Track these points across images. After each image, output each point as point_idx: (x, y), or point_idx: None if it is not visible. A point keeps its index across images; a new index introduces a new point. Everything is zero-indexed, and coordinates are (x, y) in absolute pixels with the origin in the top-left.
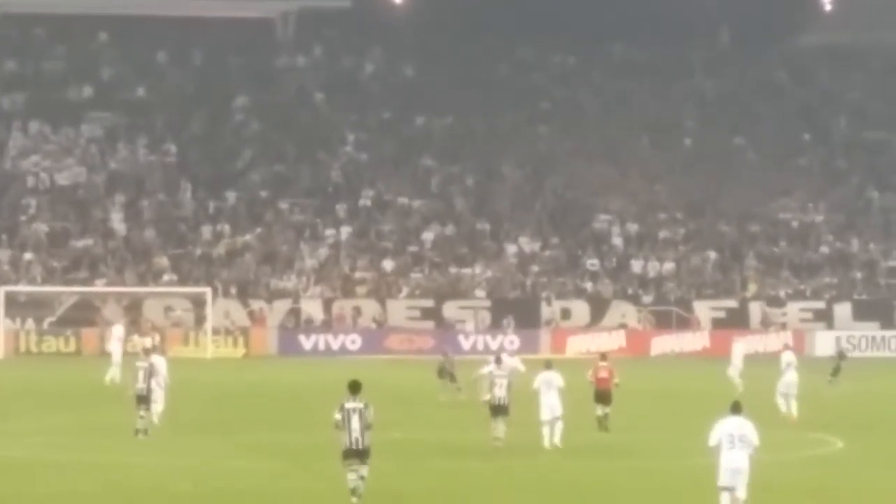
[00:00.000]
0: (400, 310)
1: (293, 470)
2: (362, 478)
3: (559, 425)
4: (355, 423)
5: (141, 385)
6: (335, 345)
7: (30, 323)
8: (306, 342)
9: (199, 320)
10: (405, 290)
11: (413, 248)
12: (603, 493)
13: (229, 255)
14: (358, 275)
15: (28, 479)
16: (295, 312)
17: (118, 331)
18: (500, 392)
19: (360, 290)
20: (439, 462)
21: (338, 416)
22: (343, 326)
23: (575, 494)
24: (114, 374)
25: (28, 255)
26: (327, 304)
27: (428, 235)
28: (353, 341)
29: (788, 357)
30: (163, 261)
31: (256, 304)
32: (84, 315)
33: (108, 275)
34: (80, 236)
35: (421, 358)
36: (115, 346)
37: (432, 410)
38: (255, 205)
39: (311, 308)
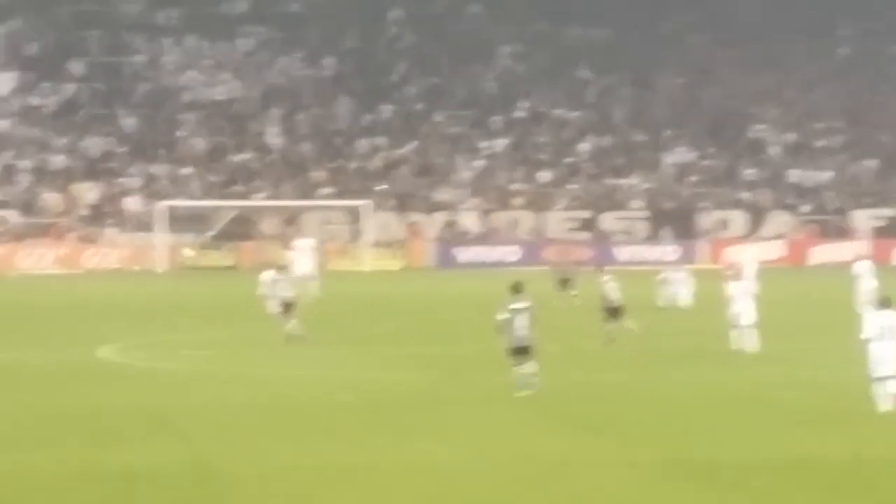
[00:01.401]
0: (557, 221)
1: (449, 381)
2: (533, 374)
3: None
4: (521, 321)
5: (288, 294)
6: (492, 257)
7: (189, 237)
8: (463, 254)
9: (357, 233)
10: (562, 202)
11: (569, 160)
12: (762, 403)
13: (386, 167)
14: (514, 187)
15: (188, 391)
16: (452, 225)
17: (306, 244)
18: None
19: (517, 201)
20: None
21: (505, 315)
22: (500, 238)
23: (733, 404)
24: (314, 288)
25: (186, 170)
26: (484, 216)
27: (584, 147)
28: (511, 253)
29: None
30: (320, 174)
31: (413, 217)
32: (242, 229)
33: (266, 189)
34: (237, 151)
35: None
36: (305, 260)
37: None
38: (410, 117)
39: (468, 220)
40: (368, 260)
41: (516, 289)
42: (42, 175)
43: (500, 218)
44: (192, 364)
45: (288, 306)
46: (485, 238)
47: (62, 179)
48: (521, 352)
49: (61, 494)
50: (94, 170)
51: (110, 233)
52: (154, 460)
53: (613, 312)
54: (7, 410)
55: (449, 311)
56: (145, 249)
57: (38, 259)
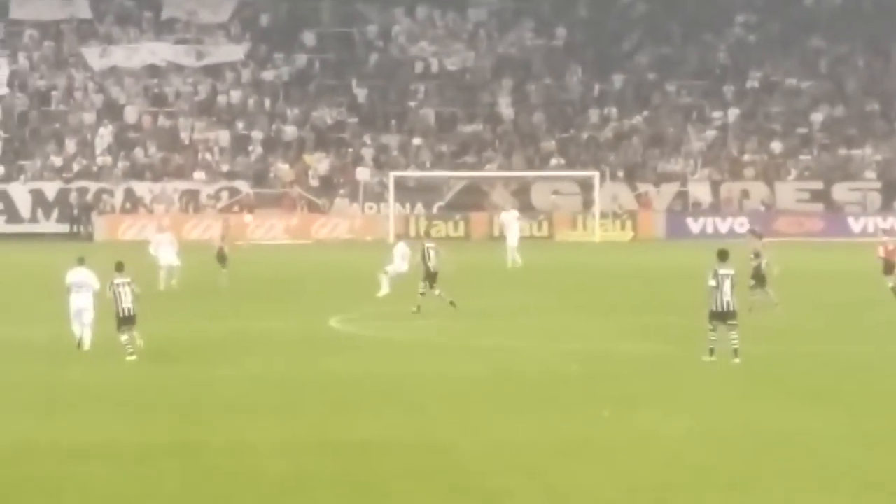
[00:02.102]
0: (788, 192)
1: (677, 352)
2: (733, 339)
3: None
4: (727, 286)
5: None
6: (723, 227)
7: (419, 208)
8: (694, 225)
9: (587, 204)
10: (794, 172)
11: (802, 130)
12: None
13: (616, 137)
14: (746, 157)
15: (419, 362)
16: (682, 195)
17: (510, 216)
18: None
19: (748, 172)
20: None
21: (712, 281)
22: (731, 209)
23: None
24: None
25: (417, 141)
26: (715, 187)
27: (817, 116)
28: (742, 224)
29: None
30: (550, 144)
31: (644, 187)
32: (472, 200)
33: (496, 159)
34: (468, 121)
35: (810, 240)
36: (512, 232)
37: (819, 293)
38: (641, 87)
39: (699, 191)
40: (598, 231)
41: (722, 256)
42: (273, 146)
43: (731, 188)
44: (423, 334)
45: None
46: (715, 209)
47: (293, 150)
48: (719, 316)
49: (298, 462)
50: (325, 140)
51: (341, 203)
52: (387, 431)
53: (760, 280)
54: (242, 378)
55: (679, 281)
56: (376, 220)
57: (269, 229)
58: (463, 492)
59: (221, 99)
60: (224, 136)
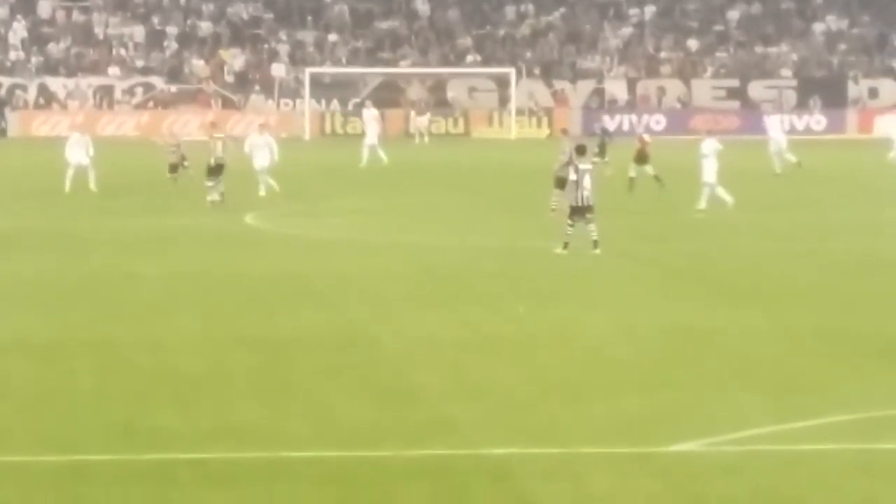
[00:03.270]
0: (705, 90)
1: (590, 250)
2: (592, 231)
3: None
4: (586, 181)
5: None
6: (639, 125)
7: (335, 104)
8: (610, 123)
9: (503, 101)
10: (710, 70)
11: (718, 28)
12: None
13: (533, 34)
14: (662, 54)
15: (335, 259)
16: (599, 92)
17: (370, 114)
18: None
19: (665, 69)
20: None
21: (573, 176)
22: (647, 107)
23: (879, 272)
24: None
25: (333, 37)
26: (631, 85)
27: (733, 14)
28: (658, 121)
29: None
30: (466, 41)
31: (560, 85)
32: (388, 96)
33: (412, 56)
34: (385, 17)
35: (727, 138)
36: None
37: (741, 188)
38: None
39: (615, 88)
40: (514, 128)
41: (581, 150)
42: (188, 41)
43: (648, 86)
44: (339, 232)
45: None
46: (632, 106)
47: (209, 46)
48: (586, 210)
49: (214, 358)
50: (240, 36)
51: (256, 99)
52: (305, 329)
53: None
54: (157, 275)
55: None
56: (291, 116)
57: (186, 125)
58: (382, 388)
59: None
60: (139, 32)
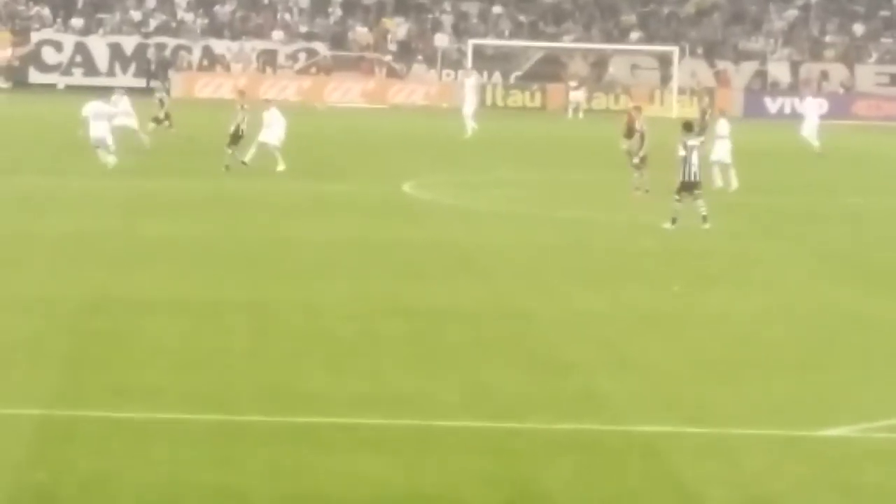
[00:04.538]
0: (868, 75)
1: (756, 231)
2: (700, 207)
3: None
4: (694, 157)
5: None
6: (801, 108)
7: (496, 77)
8: (772, 105)
9: (665, 79)
10: (874, 56)
11: (885, 13)
12: None
13: (698, 14)
14: (827, 38)
15: (492, 231)
16: (761, 74)
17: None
18: None
19: (829, 53)
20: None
21: (682, 152)
22: (809, 90)
23: None
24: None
25: (497, 9)
26: (794, 67)
27: None
28: (820, 105)
29: None
30: (630, 18)
31: (722, 65)
32: (550, 70)
33: (575, 31)
34: None
35: (889, 125)
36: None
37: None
38: None
39: (778, 71)
40: (675, 106)
41: (688, 127)
42: (353, 8)
43: (811, 69)
44: (497, 204)
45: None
46: (794, 89)
47: (373, 14)
48: (694, 186)
49: (368, 324)
50: (404, 5)
51: (418, 69)
52: (459, 299)
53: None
54: (315, 241)
55: (757, 159)
56: (452, 87)
57: (346, 93)
58: (534, 361)
59: None
60: None
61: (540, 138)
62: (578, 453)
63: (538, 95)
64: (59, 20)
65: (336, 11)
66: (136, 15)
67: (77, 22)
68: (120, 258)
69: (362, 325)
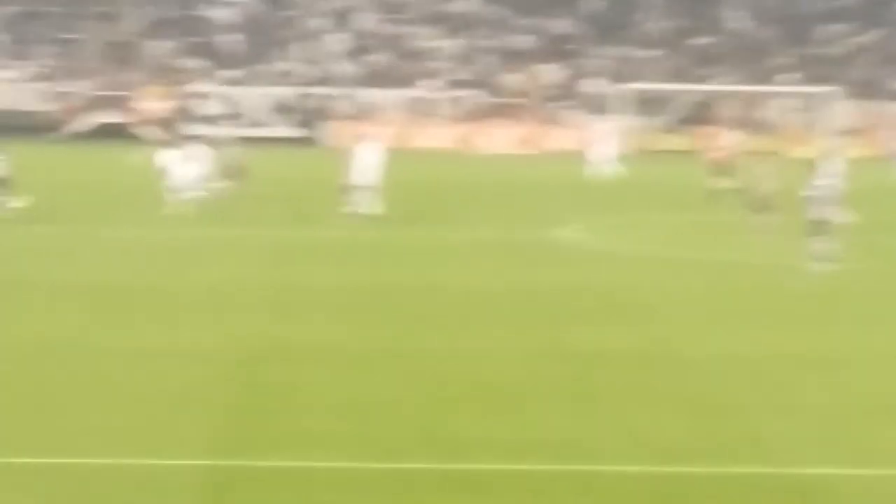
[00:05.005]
0: None
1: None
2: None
3: None
4: (823, 198)
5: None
6: None
7: (648, 121)
8: None
9: (818, 120)
10: None
11: None
12: None
13: (849, 54)
14: None
15: (644, 274)
16: None
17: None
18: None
19: None
20: None
21: (811, 191)
22: None
23: None
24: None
25: (647, 53)
26: None
27: None
28: None
29: None
30: (781, 59)
31: (878, 106)
32: (701, 114)
33: (726, 74)
34: (698, 34)
35: None
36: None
37: None
38: (874, 3)
39: None
40: (828, 147)
41: (814, 166)
42: (505, 55)
43: None
44: (648, 247)
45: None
46: None
47: (524, 60)
48: (824, 225)
49: (522, 370)
50: (556, 51)
51: (570, 115)
52: (612, 342)
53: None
54: (464, 287)
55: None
56: (602, 132)
57: (498, 139)
58: (695, 404)
59: (452, 7)
60: (455, 45)
61: (692, 182)
62: (745, 497)
63: (689, 139)
64: (212, 72)
65: (487, 58)
66: (289, 65)
67: (230, 73)
68: (277, 307)
69: (519, 371)
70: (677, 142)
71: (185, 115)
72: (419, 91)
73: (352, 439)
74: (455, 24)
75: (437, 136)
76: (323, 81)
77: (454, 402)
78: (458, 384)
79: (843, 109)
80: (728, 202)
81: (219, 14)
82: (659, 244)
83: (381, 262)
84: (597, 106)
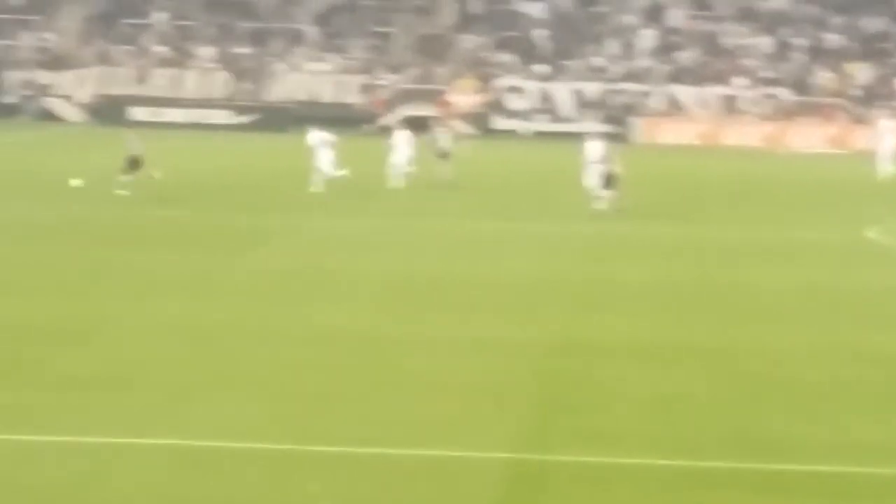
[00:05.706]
0: None
1: None
2: None
3: None
4: None
5: None
6: None
7: None
8: None
9: None
10: None
11: None
12: None
13: None
14: None
15: None
16: None
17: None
18: None
19: None
20: None
21: None
22: None
23: None
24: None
25: None
26: None
27: None
28: None
29: None
30: None
31: None
32: None
33: None
34: None
35: None
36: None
37: None
38: None
39: None
40: None
41: None
42: (816, 53)
43: None
44: None
45: None
46: None
47: (836, 58)
48: None
49: (831, 371)
50: (868, 49)
51: (882, 113)
52: None
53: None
54: (775, 286)
55: None
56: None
57: (808, 138)
58: None
59: (763, 5)
60: (766, 43)
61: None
62: None
63: None
64: (522, 67)
65: (799, 56)
66: (598, 61)
67: (540, 68)
68: (585, 302)
69: (826, 372)
70: None
71: (496, 109)
72: (729, 89)
73: (652, 436)
74: (766, 21)
75: (747, 134)
76: (632, 78)
77: (760, 400)
78: (762, 384)
79: None
80: None
81: (530, 9)
82: None
83: (690, 259)
84: None
